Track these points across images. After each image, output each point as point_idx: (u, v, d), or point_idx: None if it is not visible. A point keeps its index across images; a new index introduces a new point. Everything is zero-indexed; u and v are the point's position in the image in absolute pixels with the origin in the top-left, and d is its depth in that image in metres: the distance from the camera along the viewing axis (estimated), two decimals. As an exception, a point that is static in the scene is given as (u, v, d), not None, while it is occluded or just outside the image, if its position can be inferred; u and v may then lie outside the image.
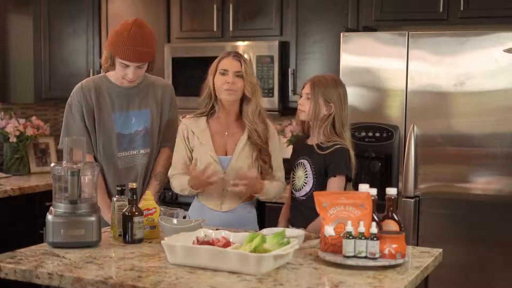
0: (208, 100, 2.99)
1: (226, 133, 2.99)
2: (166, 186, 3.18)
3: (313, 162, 2.88)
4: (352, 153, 2.86)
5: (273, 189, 2.98)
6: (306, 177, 2.89)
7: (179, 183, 2.97)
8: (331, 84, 2.89)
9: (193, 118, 3.03)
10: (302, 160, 2.92)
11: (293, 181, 2.96)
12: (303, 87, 2.94)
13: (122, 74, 3.00)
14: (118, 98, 3.08)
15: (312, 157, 2.89)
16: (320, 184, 2.86)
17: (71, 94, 3.09)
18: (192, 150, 3.00)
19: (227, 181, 2.89)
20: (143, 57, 2.97)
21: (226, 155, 2.97)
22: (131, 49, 2.92)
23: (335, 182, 2.83)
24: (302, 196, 2.90)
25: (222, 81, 2.91)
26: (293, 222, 2.92)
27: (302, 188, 2.90)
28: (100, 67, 4.74)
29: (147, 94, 3.13)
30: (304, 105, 2.90)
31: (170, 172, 3.04)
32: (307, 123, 2.96)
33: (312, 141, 2.93)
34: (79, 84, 3.09)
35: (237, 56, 2.96)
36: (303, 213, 2.86)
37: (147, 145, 3.13)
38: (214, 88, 2.94)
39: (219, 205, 2.98)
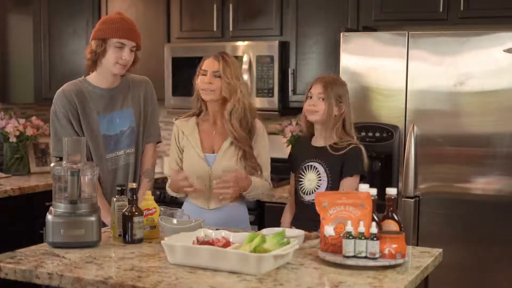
0: (196, 101, 3.06)
1: (214, 132, 3.03)
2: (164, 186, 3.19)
3: (327, 164, 2.87)
4: (364, 152, 2.89)
5: (260, 187, 2.99)
6: (320, 180, 2.88)
7: (168, 184, 3.05)
8: (340, 84, 2.94)
9: (184, 119, 3.08)
10: (312, 163, 2.91)
11: (302, 184, 2.94)
12: (310, 87, 2.93)
13: (116, 57, 2.97)
14: (101, 100, 3.06)
15: (325, 159, 2.88)
16: (336, 185, 2.86)
17: (54, 101, 3.05)
18: (183, 151, 3.03)
19: (212, 180, 2.95)
20: (136, 36, 3.02)
21: (213, 153, 3.00)
22: (126, 28, 2.98)
23: (351, 182, 2.84)
24: (314, 200, 2.85)
25: (202, 80, 2.96)
26: (302, 226, 2.71)
27: (315, 191, 2.87)
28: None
29: (128, 93, 3.13)
30: (317, 106, 2.88)
31: (166, 174, 3.08)
32: (310, 124, 2.95)
33: (320, 142, 2.92)
34: (60, 89, 3.06)
35: (218, 56, 2.98)
36: (314, 216, 2.76)
37: (132, 144, 3.13)
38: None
39: (206, 203, 3.00)
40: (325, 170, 2.87)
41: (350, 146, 2.86)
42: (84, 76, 3.11)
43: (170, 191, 3.07)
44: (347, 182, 2.85)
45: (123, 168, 3.11)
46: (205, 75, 2.95)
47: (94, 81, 3.07)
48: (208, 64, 2.96)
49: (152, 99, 3.21)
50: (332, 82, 2.91)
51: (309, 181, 2.90)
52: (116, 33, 2.96)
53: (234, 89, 2.94)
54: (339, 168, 2.85)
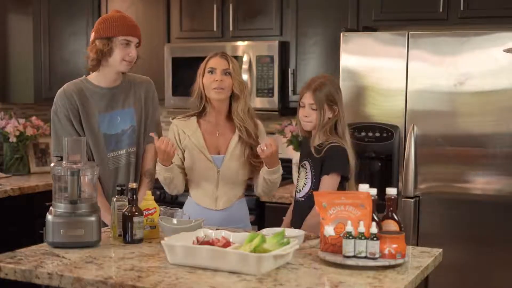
0: (199, 101, 3.01)
1: (217, 132, 3.01)
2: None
3: (313, 162, 2.88)
4: (350, 152, 2.85)
5: (280, 176, 2.97)
6: (306, 178, 2.90)
7: (157, 171, 2.96)
8: (330, 84, 2.89)
9: (183, 119, 3.04)
10: (304, 162, 2.93)
11: (297, 182, 2.98)
12: (302, 94, 2.90)
13: (123, 54, 2.98)
14: (102, 99, 3.07)
15: (312, 158, 2.89)
16: (318, 184, 2.86)
17: (55, 100, 3.05)
18: (184, 151, 3.01)
19: (221, 179, 2.96)
20: (139, 32, 3.04)
21: (218, 154, 2.99)
22: (129, 25, 3.00)
23: (327, 180, 2.82)
24: (302, 197, 2.90)
25: (210, 79, 2.92)
26: (294, 224, 2.90)
27: (302, 189, 2.91)
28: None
29: (129, 92, 3.13)
30: (310, 116, 2.87)
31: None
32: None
33: (314, 142, 2.93)
34: (61, 89, 3.07)
35: (225, 55, 2.98)
36: (301, 214, 2.86)
37: (133, 144, 3.13)
38: (203, 88, 2.96)
39: (214, 203, 2.99)
40: (311, 169, 2.89)
41: (330, 145, 2.84)
42: (85, 76, 3.12)
43: (161, 174, 2.94)
44: (324, 181, 2.83)
45: (125, 167, 3.11)
46: (213, 73, 2.93)
47: (95, 81, 3.08)
48: (216, 63, 2.94)
49: (153, 99, 3.21)
50: (321, 86, 2.86)
51: (300, 180, 2.94)
52: (121, 31, 2.97)
53: (243, 86, 2.97)
54: (319, 168, 2.85)
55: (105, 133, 3.07)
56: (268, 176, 2.92)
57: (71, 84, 3.09)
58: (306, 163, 2.91)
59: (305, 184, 2.90)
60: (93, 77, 3.09)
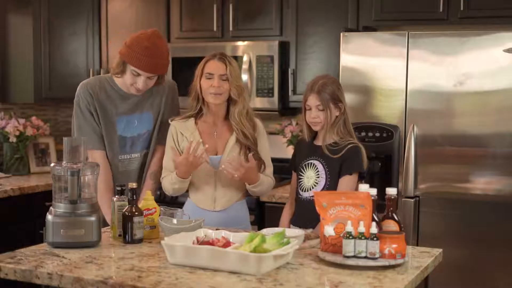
0: (195, 102, 3.00)
1: (215, 133, 3.01)
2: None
3: (326, 162, 2.88)
4: (364, 151, 2.90)
5: (266, 183, 2.99)
6: (318, 177, 2.89)
7: (169, 180, 2.96)
8: (332, 85, 2.91)
9: (182, 120, 3.03)
10: (312, 161, 2.93)
11: (301, 182, 2.96)
12: (306, 97, 2.91)
13: (132, 81, 2.97)
14: (122, 102, 3.07)
15: (325, 157, 2.89)
16: (334, 183, 2.87)
17: (77, 93, 3.05)
18: (182, 152, 2.99)
19: (220, 176, 2.95)
20: (157, 69, 2.96)
21: (216, 155, 2.99)
22: (146, 60, 2.90)
23: (350, 180, 2.85)
24: (312, 196, 2.89)
25: (208, 84, 2.91)
26: (299, 223, 2.89)
27: (313, 188, 2.90)
28: (101, 67, 4.73)
29: (150, 97, 3.12)
30: (319, 117, 2.88)
31: (162, 175, 3.05)
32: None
33: (322, 141, 2.92)
34: (84, 82, 3.07)
35: (223, 58, 2.95)
36: (311, 213, 2.83)
37: (146, 147, 3.14)
38: (201, 91, 2.95)
39: (212, 204, 2.99)
40: (324, 168, 2.89)
41: (349, 145, 2.87)
42: (111, 75, 3.09)
43: (177, 184, 2.95)
44: (345, 180, 2.86)
45: (138, 169, 3.13)
46: (211, 78, 2.91)
47: (119, 82, 3.07)
48: (213, 67, 2.92)
49: (172, 103, 3.18)
50: (324, 86, 2.88)
51: (308, 179, 2.93)
52: (135, 62, 2.91)
53: (241, 90, 2.96)
54: (338, 167, 2.86)
55: (120, 135, 3.07)
56: (250, 188, 2.97)
57: (96, 79, 3.11)
58: (316, 162, 2.91)
59: (316, 183, 2.90)
60: (118, 78, 3.07)
